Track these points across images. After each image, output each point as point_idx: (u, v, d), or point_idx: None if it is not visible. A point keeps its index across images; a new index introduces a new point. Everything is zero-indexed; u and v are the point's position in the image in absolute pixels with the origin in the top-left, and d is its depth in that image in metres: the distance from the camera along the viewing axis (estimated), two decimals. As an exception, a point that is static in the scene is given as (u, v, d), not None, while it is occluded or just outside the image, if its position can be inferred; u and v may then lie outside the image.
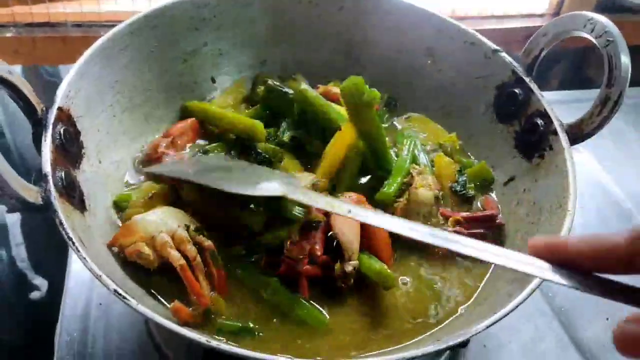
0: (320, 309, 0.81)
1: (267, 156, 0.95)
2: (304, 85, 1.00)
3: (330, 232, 0.84)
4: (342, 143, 0.93)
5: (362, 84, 0.88)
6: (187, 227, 0.81)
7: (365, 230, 0.84)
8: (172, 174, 0.88)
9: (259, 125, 0.98)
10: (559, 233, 0.79)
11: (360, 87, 0.87)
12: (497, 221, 0.92)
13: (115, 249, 0.80)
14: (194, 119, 1.02)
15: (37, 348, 1.21)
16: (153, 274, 0.80)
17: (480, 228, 0.91)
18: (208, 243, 0.81)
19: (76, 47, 1.34)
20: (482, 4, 1.55)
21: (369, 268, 0.82)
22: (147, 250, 0.77)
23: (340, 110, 0.97)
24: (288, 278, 0.81)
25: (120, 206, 0.89)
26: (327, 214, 0.84)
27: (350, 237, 0.82)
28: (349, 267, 0.80)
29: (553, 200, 0.86)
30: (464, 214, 0.94)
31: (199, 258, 0.79)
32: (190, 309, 0.76)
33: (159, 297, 0.79)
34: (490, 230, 0.92)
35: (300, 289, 0.80)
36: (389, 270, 0.82)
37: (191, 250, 0.79)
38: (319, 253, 0.81)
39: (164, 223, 0.80)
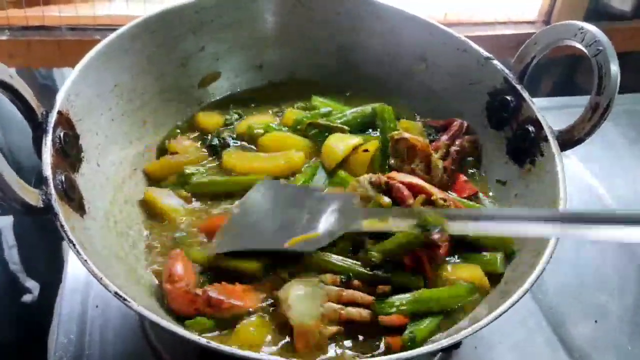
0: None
1: None
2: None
3: None
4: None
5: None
6: None
7: None
8: (243, 247, 0.85)
9: None
10: (548, 240, 0.81)
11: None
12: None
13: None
14: None
15: (28, 350, 1.21)
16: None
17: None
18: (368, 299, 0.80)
19: (71, 51, 1.35)
20: (473, 10, 1.57)
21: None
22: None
23: None
24: None
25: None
26: None
27: None
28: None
29: (543, 206, 0.88)
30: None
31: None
32: None
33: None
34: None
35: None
36: None
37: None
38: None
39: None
